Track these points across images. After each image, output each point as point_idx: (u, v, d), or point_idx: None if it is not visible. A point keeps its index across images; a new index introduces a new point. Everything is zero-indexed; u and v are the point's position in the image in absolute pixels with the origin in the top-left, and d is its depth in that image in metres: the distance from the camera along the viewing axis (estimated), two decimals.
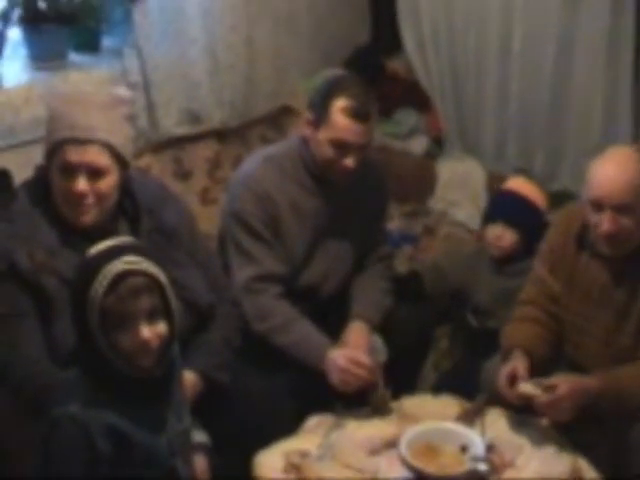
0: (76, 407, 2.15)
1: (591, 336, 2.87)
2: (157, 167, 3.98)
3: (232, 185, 3.23)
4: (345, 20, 4.87)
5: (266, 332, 3.06)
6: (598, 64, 4.19)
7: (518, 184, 3.41)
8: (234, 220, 3.12)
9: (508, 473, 2.62)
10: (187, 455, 2.40)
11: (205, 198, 4.09)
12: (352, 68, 4.61)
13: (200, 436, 2.57)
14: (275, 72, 4.41)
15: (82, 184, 2.52)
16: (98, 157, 2.53)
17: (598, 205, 2.72)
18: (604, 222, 2.71)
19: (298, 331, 3.05)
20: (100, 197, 2.56)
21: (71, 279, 2.31)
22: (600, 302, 2.84)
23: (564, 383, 2.66)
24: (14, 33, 3.76)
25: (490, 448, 2.65)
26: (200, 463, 2.53)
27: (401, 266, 3.97)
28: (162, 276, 2.20)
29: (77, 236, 2.57)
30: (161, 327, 2.20)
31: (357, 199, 3.26)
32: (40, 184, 2.61)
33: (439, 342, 3.62)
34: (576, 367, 2.88)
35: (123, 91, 2.72)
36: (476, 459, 2.58)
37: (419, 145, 4.83)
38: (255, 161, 3.21)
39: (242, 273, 3.10)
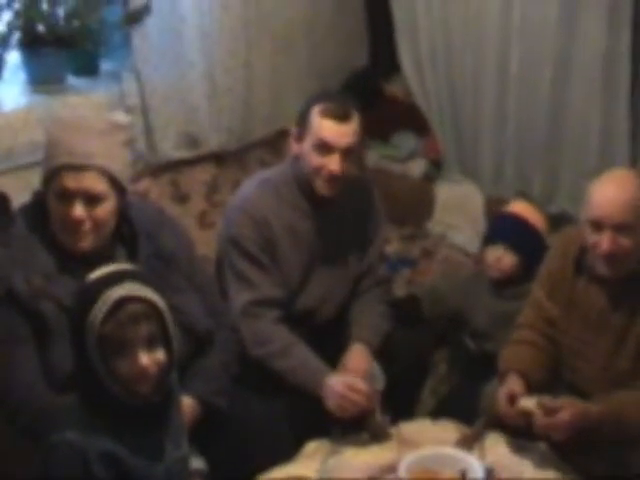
0: (73, 433, 2.14)
1: (589, 360, 2.86)
2: (155, 190, 3.96)
3: (229, 209, 3.24)
4: (343, 44, 4.87)
5: (264, 357, 3.05)
6: (595, 86, 4.20)
7: (519, 207, 3.40)
8: (231, 245, 3.12)
9: None
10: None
11: (203, 222, 4.08)
12: (350, 91, 4.61)
13: (197, 462, 2.56)
14: (273, 96, 4.41)
15: (79, 210, 2.51)
16: (95, 183, 2.53)
17: (598, 225, 2.73)
18: (603, 242, 2.71)
19: (296, 356, 3.04)
20: (97, 223, 2.56)
21: (69, 304, 2.31)
22: (598, 326, 2.84)
23: (566, 408, 2.66)
24: (13, 56, 3.76)
25: (489, 473, 2.64)
26: None
27: (399, 290, 3.97)
28: (161, 303, 2.20)
29: (75, 262, 2.56)
30: (160, 354, 2.19)
31: (352, 222, 3.27)
32: (38, 209, 2.61)
33: (437, 366, 3.61)
34: (574, 391, 2.87)
35: (122, 117, 2.71)
36: None
37: (417, 168, 4.83)
38: (251, 185, 3.22)
39: (239, 298, 3.09)
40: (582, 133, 4.30)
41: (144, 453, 2.23)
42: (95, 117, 2.68)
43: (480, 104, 4.62)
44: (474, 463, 2.64)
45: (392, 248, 4.39)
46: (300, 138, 3.10)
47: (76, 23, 3.75)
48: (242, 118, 4.30)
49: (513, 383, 2.80)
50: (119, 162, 2.59)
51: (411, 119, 4.90)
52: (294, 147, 3.14)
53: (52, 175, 2.54)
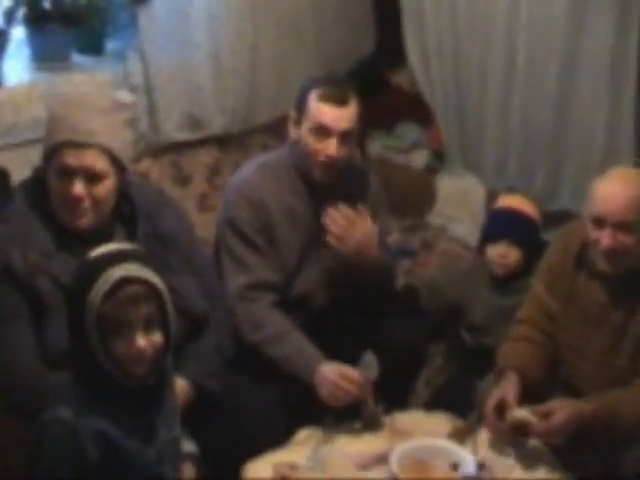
0: (67, 412, 2.13)
1: (587, 357, 2.86)
2: (156, 171, 3.96)
3: (227, 192, 3.24)
4: (350, 30, 4.86)
5: (258, 343, 3.04)
6: (601, 82, 4.18)
7: (513, 201, 3.39)
8: (228, 227, 3.12)
9: None
10: (176, 464, 2.38)
11: (203, 204, 4.07)
12: (355, 80, 4.60)
13: (189, 445, 2.55)
14: (278, 80, 4.39)
15: (79, 188, 2.51)
16: (96, 161, 2.52)
17: (599, 221, 2.72)
18: (604, 238, 2.71)
19: (291, 343, 3.03)
20: (97, 201, 2.55)
21: (67, 282, 2.30)
22: (597, 322, 2.83)
23: (560, 410, 2.65)
24: (18, 32, 3.74)
25: (481, 467, 2.63)
26: (188, 472, 2.51)
27: (398, 280, 3.95)
28: (161, 285, 2.19)
29: (73, 239, 2.55)
30: (157, 337, 2.18)
31: (350, 206, 3.25)
32: (37, 185, 2.60)
33: (433, 359, 3.60)
34: (571, 388, 2.87)
35: (125, 96, 2.71)
36: (467, 477, 2.57)
37: (420, 159, 4.82)
38: (250, 168, 3.23)
39: (235, 281, 3.09)
40: (587, 129, 4.29)
41: (137, 434, 2.22)
42: (98, 95, 2.67)
43: (485, 97, 4.61)
44: (466, 456, 2.63)
45: (392, 239, 4.38)
46: (298, 122, 3.11)
47: (83, 1, 3.75)
48: (247, 100, 4.28)
49: (506, 387, 2.79)
50: (120, 141, 2.58)
51: (415, 110, 4.89)
52: (292, 131, 3.15)
53: (53, 151, 2.53)
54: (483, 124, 4.66)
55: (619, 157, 4.08)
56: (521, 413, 2.69)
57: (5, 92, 3.50)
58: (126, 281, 2.13)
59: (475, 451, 2.71)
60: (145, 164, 3.91)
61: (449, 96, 4.76)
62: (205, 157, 4.15)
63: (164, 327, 2.20)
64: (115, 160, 2.56)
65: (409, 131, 4.91)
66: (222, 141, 4.22)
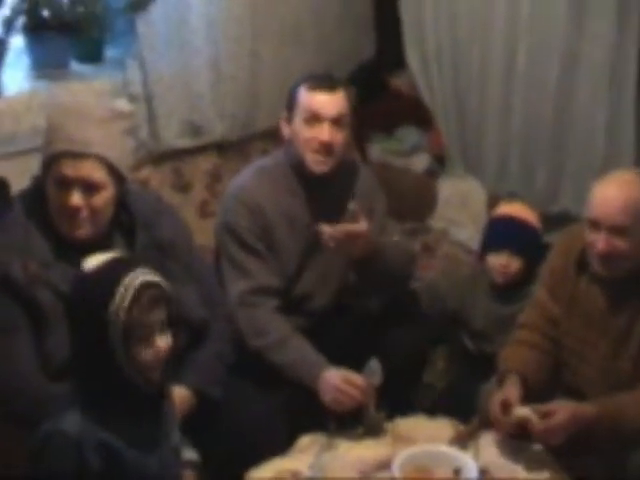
0: (69, 424, 2.13)
1: (589, 361, 2.85)
2: (157, 179, 3.96)
3: (225, 198, 3.25)
4: (350, 36, 4.86)
5: (261, 349, 3.04)
6: (602, 83, 4.19)
7: (514, 209, 3.36)
8: (226, 233, 3.12)
9: None
10: (177, 473, 2.37)
11: (204, 211, 4.08)
12: (355, 84, 4.60)
13: (190, 454, 2.55)
14: (278, 86, 4.36)
15: (76, 198, 2.50)
16: (93, 172, 2.51)
17: (595, 225, 2.72)
18: (599, 242, 2.71)
19: (293, 349, 3.03)
20: (95, 212, 2.54)
21: (68, 292, 2.28)
22: (600, 327, 2.82)
23: (561, 410, 2.64)
24: (17, 41, 3.73)
25: (484, 472, 2.63)
26: None
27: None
28: (169, 287, 2.23)
29: (72, 249, 2.54)
30: (169, 338, 2.21)
31: (347, 204, 3.25)
32: (36, 195, 2.59)
33: (435, 363, 3.59)
34: (573, 392, 2.85)
35: (123, 105, 2.71)
36: None
37: (420, 163, 4.81)
38: (246, 174, 3.24)
39: (236, 287, 3.09)
40: (588, 131, 4.29)
41: (139, 444, 2.22)
42: (96, 104, 2.67)
43: (485, 100, 4.61)
44: (468, 462, 2.62)
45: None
46: (290, 119, 3.14)
47: (81, 9, 3.74)
48: (246, 107, 4.29)
49: (509, 388, 2.79)
50: (118, 151, 2.58)
51: (415, 113, 4.89)
52: (285, 131, 3.18)
53: (50, 161, 2.53)
54: (483, 127, 4.67)
55: (620, 158, 4.09)
56: (524, 410, 2.69)
57: (4, 101, 3.50)
58: (147, 285, 2.16)
59: (477, 456, 2.70)
60: (145, 171, 3.91)
61: (449, 99, 4.76)
62: (205, 164, 4.16)
63: (171, 329, 2.22)
64: (113, 170, 2.55)
65: (409, 135, 4.91)
66: (222, 148, 4.22)
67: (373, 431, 2.87)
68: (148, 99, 3.89)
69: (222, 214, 3.20)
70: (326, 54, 4.67)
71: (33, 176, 2.65)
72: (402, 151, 4.84)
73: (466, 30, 4.59)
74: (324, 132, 3.07)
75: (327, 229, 3.04)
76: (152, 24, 3.82)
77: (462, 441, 2.77)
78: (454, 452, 2.69)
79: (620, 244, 2.70)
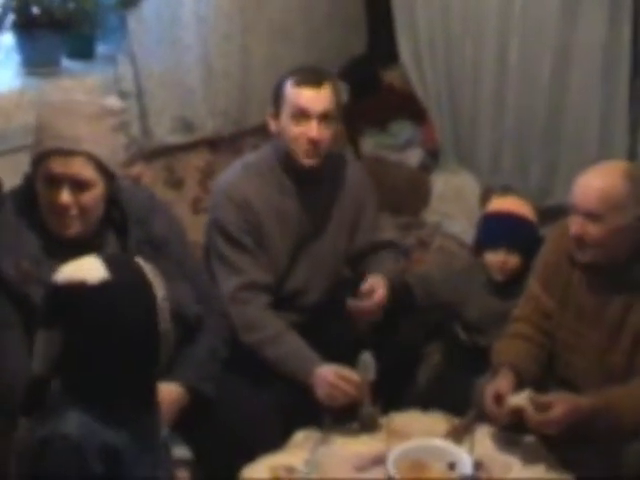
0: (70, 426, 2.08)
1: (583, 354, 2.85)
2: (149, 175, 3.94)
3: (213, 194, 3.25)
4: (341, 30, 4.85)
5: (254, 344, 3.05)
6: (595, 77, 4.18)
7: (510, 203, 3.34)
8: (215, 230, 3.13)
9: None
10: (169, 468, 2.36)
11: (196, 207, 4.06)
12: (347, 79, 4.59)
13: (182, 451, 2.54)
14: (269, 81, 4.32)
15: (65, 196, 2.49)
16: (82, 169, 2.50)
17: (574, 210, 2.75)
18: (572, 225, 2.75)
19: (287, 344, 3.03)
20: (84, 209, 2.53)
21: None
22: (592, 320, 2.83)
23: (559, 403, 2.64)
24: (7, 38, 3.73)
25: (478, 466, 2.63)
26: (182, 479, 2.50)
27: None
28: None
29: (64, 247, 2.53)
30: None
31: (337, 199, 3.29)
32: (27, 193, 2.59)
33: (430, 357, 3.59)
34: (566, 384, 2.86)
35: (113, 101, 2.68)
36: (464, 477, 2.56)
37: (414, 157, 4.80)
38: (234, 169, 3.24)
39: (227, 284, 3.09)
40: (581, 124, 4.29)
41: (137, 442, 2.19)
42: (85, 101, 2.64)
43: (479, 94, 4.60)
44: (463, 456, 2.62)
45: (387, 237, 4.36)
46: (277, 115, 3.13)
47: (71, 5, 3.72)
48: (238, 103, 4.28)
49: (501, 380, 2.79)
50: (108, 148, 2.56)
51: (409, 108, 4.87)
52: (272, 126, 3.17)
53: (40, 159, 2.52)
54: (477, 121, 4.66)
55: (613, 152, 4.08)
56: (518, 399, 2.69)
57: None
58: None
59: (472, 450, 2.69)
60: (137, 168, 3.89)
61: (442, 94, 4.75)
62: (197, 160, 4.14)
63: None
64: (102, 167, 2.54)
65: (403, 129, 4.90)
66: (214, 144, 4.21)
67: (368, 426, 2.86)
68: (139, 95, 3.88)
69: (210, 211, 3.22)
70: (317, 49, 4.66)
71: (24, 174, 2.64)
72: (395, 145, 4.83)
73: (459, 24, 4.58)
74: (312, 129, 3.06)
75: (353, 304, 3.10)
76: (143, 21, 3.81)
77: (457, 435, 2.77)
78: (449, 446, 2.69)
79: (592, 230, 2.72)
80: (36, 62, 3.71)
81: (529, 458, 2.69)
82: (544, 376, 2.91)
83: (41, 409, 2.16)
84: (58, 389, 2.17)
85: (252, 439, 2.76)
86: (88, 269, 2.10)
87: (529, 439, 2.75)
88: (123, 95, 3.78)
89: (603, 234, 2.72)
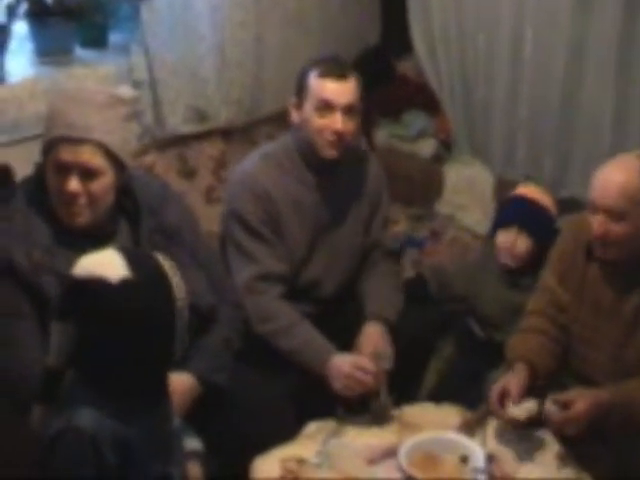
0: (84, 419, 2.09)
1: (599, 348, 2.83)
2: (162, 165, 3.95)
3: (231, 184, 3.23)
4: (355, 20, 4.84)
5: (269, 335, 3.04)
6: (609, 69, 4.15)
7: (529, 190, 3.34)
8: (233, 220, 3.11)
9: None
10: (179, 459, 2.35)
11: (210, 197, 4.07)
12: (361, 69, 4.57)
13: (194, 443, 2.53)
14: (283, 71, 4.37)
15: (74, 184, 2.48)
16: (92, 158, 2.49)
17: (593, 206, 2.71)
18: (594, 224, 2.71)
19: (301, 335, 3.03)
20: (93, 198, 2.52)
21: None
22: (609, 314, 2.81)
23: (580, 400, 2.63)
24: (20, 27, 3.72)
25: (491, 459, 2.62)
26: (194, 471, 2.48)
27: (407, 270, 3.93)
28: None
29: (75, 235, 2.53)
30: None
31: (355, 192, 3.28)
32: (38, 182, 2.57)
33: (443, 349, 3.58)
34: (583, 379, 2.84)
35: (125, 90, 2.68)
36: (476, 470, 2.56)
37: (427, 148, 4.79)
38: (252, 159, 3.21)
39: (243, 273, 3.08)
40: (595, 117, 4.26)
41: (148, 433, 2.18)
42: (97, 90, 2.63)
43: (492, 85, 4.58)
44: (475, 449, 2.62)
45: (400, 228, 4.37)
46: (299, 105, 3.10)
47: None
48: (252, 92, 4.27)
49: (512, 379, 2.77)
50: (119, 137, 2.54)
51: (422, 98, 4.86)
52: (294, 116, 3.14)
53: (49, 147, 2.51)
54: (491, 112, 4.64)
55: (627, 144, 4.05)
56: (517, 411, 2.69)
57: (8, 88, 3.48)
58: None
59: (484, 443, 2.69)
60: (150, 157, 3.91)
61: (456, 84, 4.74)
62: (211, 149, 4.15)
63: None
64: (112, 156, 2.52)
65: (416, 120, 4.89)
66: (227, 133, 4.21)
67: (380, 418, 2.86)
68: (153, 85, 3.87)
69: (228, 201, 3.19)
70: (331, 39, 4.66)
71: (35, 163, 2.63)
72: (409, 136, 4.82)
73: (473, 15, 4.56)
74: (336, 121, 3.04)
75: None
76: (156, 10, 3.80)
77: (469, 428, 2.77)
78: (461, 439, 2.68)
79: (616, 228, 2.68)
80: (49, 51, 3.71)
81: (541, 452, 2.69)
82: (559, 370, 2.89)
83: (55, 400, 2.16)
84: (72, 380, 2.17)
85: (264, 430, 2.75)
86: (109, 266, 2.09)
87: (542, 433, 2.74)
88: (136, 84, 3.78)
89: (628, 232, 2.68)
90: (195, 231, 2.86)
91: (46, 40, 3.69)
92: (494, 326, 3.28)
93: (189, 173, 4.07)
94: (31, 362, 2.45)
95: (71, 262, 2.37)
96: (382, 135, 4.82)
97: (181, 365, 2.55)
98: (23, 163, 2.86)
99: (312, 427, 2.84)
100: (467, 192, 4.58)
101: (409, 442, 2.62)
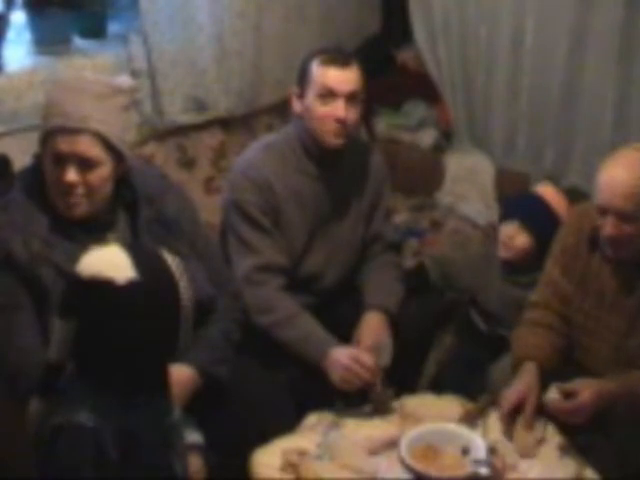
0: (83, 414, 2.08)
1: (602, 339, 2.82)
2: (161, 155, 3.94)
3: (232, 174, 3.22)
4: (355, 9, 4.83)
5: (268, 326, 3.03)
6: (610, 59, 4.14)
7: (545, 190, 3.31)
8: (234, 210, 3.10)
9: (510, 477, 2.57)
10: (180, 450, 2.34)
11: (209, 187, 4.06)
12: (362, 58, 4.55)
13: (194, 436, 2.52)
14: (283, 61, 4.36)
15: (72, 174, 2.46)
16: (89, 148, 2.47)
17: (602, 210, 2.68)
18: (606, 227, 2.67)
19: (301, 326, 3.02)
20: (90, 189, 2.50)
21: (67, 271, 2.22)
22: (612, 305, 2.80)
23: (586, 389, 2.62)
24: (18, 17, 3.71)
25: (492, 451, 2.60)
26: (195, 464, 2.47)
27: (407, 260, 3.92)
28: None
29: (73, 226, 2.52)
30: None
31: (357, 183, 3.26)
32: (36, 172, 2.56)
33: (443, 339, 3.57)
34: (584, 369, 2.83)
35: (124, 80, 2.65)
36: (478, 462, 2.54)
37: (428, 138, 4.78)
38: (254, 150, 3.20)
39: (243, 264, 3.07)
40: (596, 106, 4.25)
41: (149, 424, 2.18)
42: (94, 80, 2.61)
43: (493, 75, 4.58)
44: (477, 440, 2.60)
45: (401, 218, 4.36)
46: (302, 94, 3.09)
47: None
48: (251, 82, 4.26)
49: (523, 383, 2.74)
50: (117, 127, 2.52)
51: (423, 88, 4.85)
52: (296, 106, 3.12)
53: (46, 137, 2.49)
54: (491, 102, 4.64)
55: (629, 135, 4.04)
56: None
57: (6, 78, 3.48)
58: None
59: (486, 435, 2.68)
60: (150, 148, 3.90)
61: (456, 74, 4.72)
62: (210, 139, 4.14)
63: None
64: (110, 146, 2.51)
65: (416, 109, 4.88)
66: (227, 123, 4.20)
67: (381, 409, 2.84)
68: (152, 75, 3.87)
69: (229, 191, 3.17)
70: (331, 28, 4.65)
71: (34, 153, 2.62)
72: (409, 126, 4.81)
73: (473, 4, 4.55)
74: (339, 108, 3.02)
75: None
76: None
77: (471, 420, 2.75)
78: (462, 431, 2.67)
79: (628, 229, 2.66)
80: (48, 41, 3.70)
81: (544, 443, 2.67)
82: (564, 361, 2.88)
83: (55, 393, 2.15)
84: (72, 375, 2.16)
85: (264, 422, 2.74)
86: (115, 265, 2.06)
87: (544, 424, 2.72)
88: (135, 74, 3.77)
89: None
90: (194, 221, 2.85)
91: (44, 30, 3.68)
92: (497, 321, 3.27)
93: (188, 163, 4.05)
94: (29, 353, 2.45)
95: (69, 253, 2.39)
96: (382, 125, 4.81)
97: (181, 356, 2.53)
98: (21, 153, 2.86)
99: (312, 419, 2.82)
100: (468, 182, 4.57)
101: (410, 434, 2.61)
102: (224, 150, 4.14)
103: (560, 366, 2.86)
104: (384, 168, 3.38)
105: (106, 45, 3.90)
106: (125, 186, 2.63)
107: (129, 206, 2.65)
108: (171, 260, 2.13)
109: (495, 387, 2.83)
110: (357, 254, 3.32)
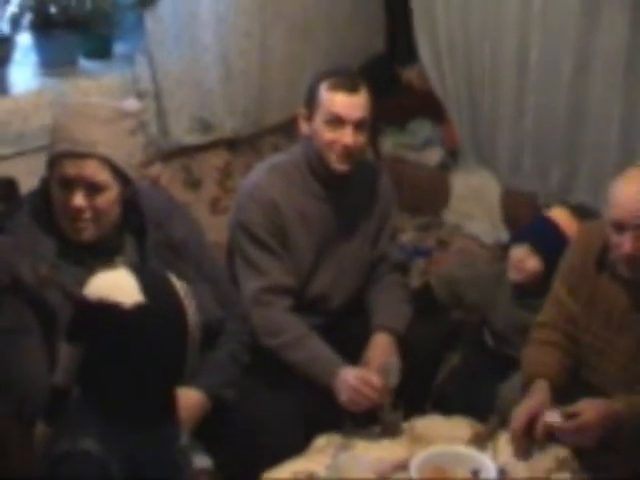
0: (89, 441, 2.07)
1: (610, 360, 2.80)
2: (167, 175, 3.95)
3: (239, 195, 3.21)
4: (361, 29, 4.84)
5: (276, 347, 3.02)
6: (616, 78, 4.14)
7: (557, 213, 3.28)
8: (241, 231, 3.09)
9: None
10: (188, 475, 2.34)
11: (215, 208, 4.05)
12: (367, 77, 4.55)
13: (203, 460, 2.51)
14: (288, 81, 4.36)
15: (79, 199, 2.47)
16: (97, 172, 2.47)
17: (619, 226, 2.65)
18: (625, 243, 2.64)
19: (309, 348, 3.00)
20: (98, 213, 2.51)
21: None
22: (620, 325, 2.78)
23: (589, 409, 2.60)
24: (24, 38, 3.72)
25: (502, 473, 2.58)
26: None
27: (414, 280, 3.91)
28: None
29: (81, 250, 2.52)
30: None
31: (364, 204, 3.26)
32: (44, 195, 2.56)
33: (451, 358, 3.56)
34: (592, 390, 2.81)
35: (131, 103, 2.66)
36: None
37: (433, 156, 4.78)
38: (261, 170, 3.19)
39: (250, 285, 3.06)
40: (602, 125, 4.25)
41: (157, 450, 2.17)
42: (101, 104, 2.61)
43: (498, 93, 4.58)
44: (487, 462, 2.58)
45: (407, 237, 4.36)
46: (310, 117, 3.07)
47: (88, 5, 3.72)
48: (257, 102, 4.26)
49: (534, 400, 2.71)
50: (124, 151, 2.53)
51: (428, 107, 4.86)
52: (304, 128, 3.11)
53: (54, 161, 2.50)
54: (497, 120, 4.64)
55: (635, 152, 4.04)
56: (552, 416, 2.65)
57: (12, 100, 3.48)
58: None
59: (496, 457, 2.66)
60: (155, 168, 3.89)
61: (462, 93, 4.73)
62: (216, 160, 4.14)
63: None
64: (117, 171, 2.51)
65: (422, 128, 4.88)
66: (233, 143, 4.21)
67: (390, 431, 2.83)
68: (157, 95, 3.87)
69: (236, 212, 3.17)
70: (336, 48, 4.66)
71: (41, 177, 2.62)
72: (415, 145, 4.81)
73: (478, 23, 4.55)
74: (347, 136, 3.01)
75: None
76: (161, 20, 3.80)
77: (480, 441, 2.73)
78: (472, 453, 2.65)
79: None
80: (53, 62, 3.70)
81: (554, 465, 2.65)
82: (571, 382, 2.86)
83: (61, 419, 2.14)
84: (78, 400, 2.15)
85: (273, 444, 2.72)
86: (122, 289, 2.06)
87: (554, 446, 2.70)
88: (141, 95, 3.77)
89: None
90: (201, 244, 2.85)
91: (50, 51, 3.69)
92: (505, 341, 3.25)
93: (194, 184, 4.05)
94: (36, 377, 2.45)
95: (77, 277, 2.38)
96: (388, 144, 4.81)
97: (189, 380, 2.52)
98: (28, 175, 2.86)
99: (322, 441, 2.81)
100: (474, 201, 4.57)
101: (420, 455, 2.59)
102: (230, 170, 4.14)
103: (568, 385, 2.84)
104: (392, 189, 3.37)
105: (112, 66, 3.90)
106: (132, 210, 2.64)
107: (136, 230, 2.65)
108: (178, 284, 2.12)
109: (505, 406, 2.81)
110: (364, 275, 3.31)
